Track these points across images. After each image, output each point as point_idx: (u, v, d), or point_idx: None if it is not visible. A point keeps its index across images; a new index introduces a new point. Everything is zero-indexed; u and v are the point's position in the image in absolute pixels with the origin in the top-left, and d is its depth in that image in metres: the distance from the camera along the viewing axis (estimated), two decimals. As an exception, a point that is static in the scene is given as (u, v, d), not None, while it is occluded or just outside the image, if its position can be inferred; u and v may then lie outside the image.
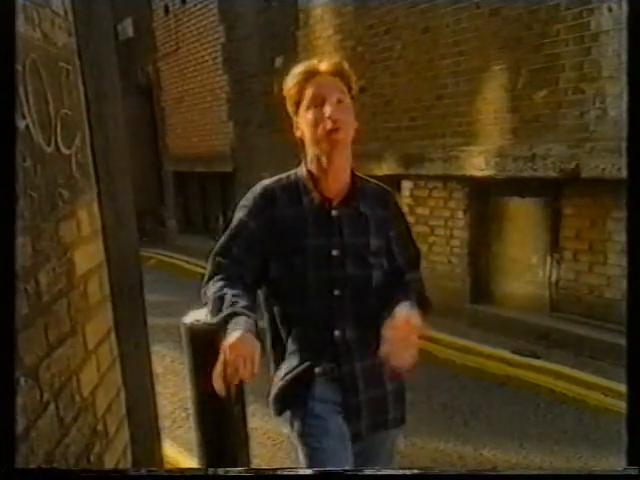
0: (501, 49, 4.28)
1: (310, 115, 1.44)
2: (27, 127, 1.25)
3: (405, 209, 5.25)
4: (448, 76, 4.68)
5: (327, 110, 1.41)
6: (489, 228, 4.78)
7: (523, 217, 4.54)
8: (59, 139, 1.45)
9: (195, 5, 8.01)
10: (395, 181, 5.28)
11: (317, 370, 1.49)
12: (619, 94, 3.58)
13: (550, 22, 3.94)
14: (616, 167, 3.58)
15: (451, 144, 4.71)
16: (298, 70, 1.48)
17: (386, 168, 5.24)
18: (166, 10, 8.65)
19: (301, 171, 1.54)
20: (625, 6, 3.45)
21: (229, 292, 1.41)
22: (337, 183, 1.50)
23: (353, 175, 1.54)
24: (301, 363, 1.51)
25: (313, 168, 1.51)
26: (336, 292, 1.47)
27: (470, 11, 4.43)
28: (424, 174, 5.01)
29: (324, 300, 1.46)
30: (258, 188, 1.54)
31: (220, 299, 1.41)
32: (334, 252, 1.47)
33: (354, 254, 1.49)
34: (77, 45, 1.69)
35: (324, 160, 1.48)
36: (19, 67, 1.20)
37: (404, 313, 1.33)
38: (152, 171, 9.65)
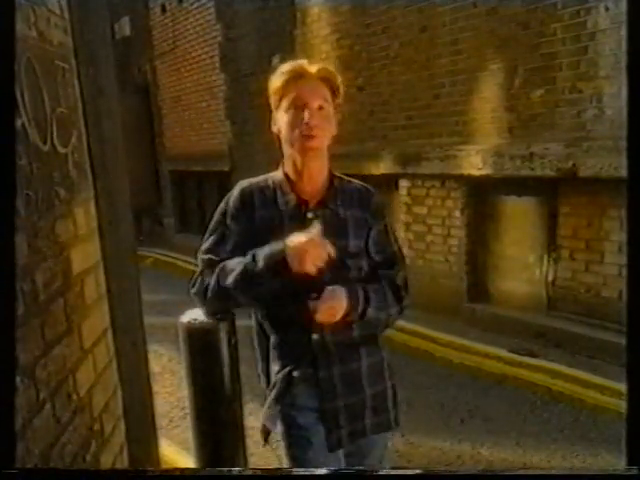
0: (498, 48, 4.28)
1: (289, 116, 1.46)
2: (23, 126, 1.24)
3: (403, 208, 5.26)
4: (445, 75, 4.68)
5: (305, 115, 1.43)
6: (486, 227, 4.78)
7: (520, 216, 4.54)
8: (55, 138, 1.44)
9: (192, 4, 8.00)
10: (392, 180, 5.29)
11: (296, 374, 1.50)
12: (616, 93, 3.58)
13: (547, 21, 3.95)
14: (613, 166, 3.58)
15: (448, 143, 4.71)
16: (287, 68, 1.48)
17: (383, 167, 5.23)
18: (163, 9, 8.64)
19: (278, 173, 1.55)
20: (622, 5, 3.46)
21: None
22: (312, 185, 1.51)
23: (332, 176, 1.55)
24: (282, 368, 1.52)
25: (289, 170, 1.52)
26: (313, 295, 1.45)
27: (467, 10, 4.43)
28: (421, 173, 5.00)
29: (301, 303, 1.44)
30: (236, 190, 1.55)
31: (225, 267, 1.47)
32: None
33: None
34: (73, 44, 1.69)
35: (298, 162, 1.49)
36: (14, 66, 1.20)
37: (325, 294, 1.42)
38: (149, 170, 9.62)
